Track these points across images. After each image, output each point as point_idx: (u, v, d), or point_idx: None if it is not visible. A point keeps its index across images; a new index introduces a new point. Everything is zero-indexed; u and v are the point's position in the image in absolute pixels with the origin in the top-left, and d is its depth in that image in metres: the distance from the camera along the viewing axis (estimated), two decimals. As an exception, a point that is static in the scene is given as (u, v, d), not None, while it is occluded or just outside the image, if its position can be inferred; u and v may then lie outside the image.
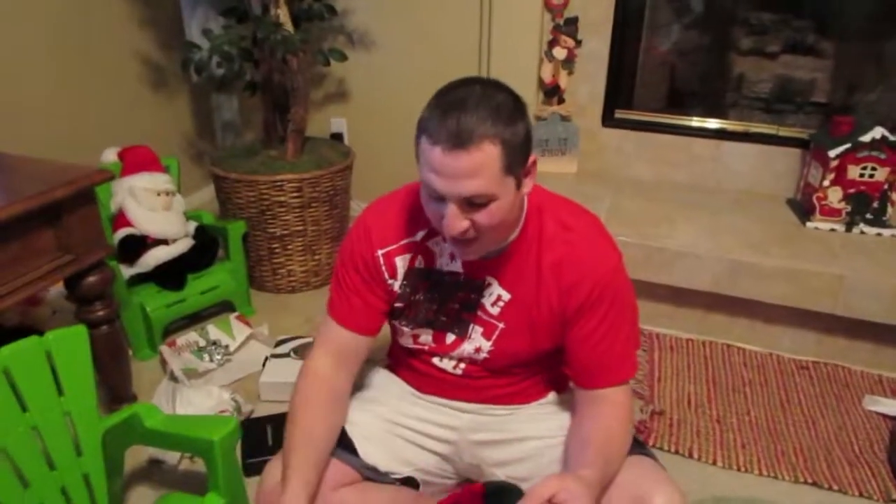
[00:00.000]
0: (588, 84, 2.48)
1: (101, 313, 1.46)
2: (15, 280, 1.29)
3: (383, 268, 1.18)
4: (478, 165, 0.93)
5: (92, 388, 1.15)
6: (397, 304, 1.21)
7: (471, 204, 0.97)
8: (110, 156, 2.03)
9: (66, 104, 2.24)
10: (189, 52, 2.17)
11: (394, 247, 1.18)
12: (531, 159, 1.02)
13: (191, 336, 1.96)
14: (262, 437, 1.59)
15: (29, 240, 1.30)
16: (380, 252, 1.17)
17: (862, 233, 2.09)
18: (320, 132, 2.75)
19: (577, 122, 2.49)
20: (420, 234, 1.17)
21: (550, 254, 1.11)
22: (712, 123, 2.47)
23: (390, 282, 1.19)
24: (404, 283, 1.18)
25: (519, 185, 1.02)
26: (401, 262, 1.18)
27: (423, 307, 1.19)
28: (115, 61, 2.41)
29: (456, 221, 0.98)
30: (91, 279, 1.42)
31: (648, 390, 1.84)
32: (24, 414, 1.07)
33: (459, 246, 1.05)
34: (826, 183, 2.07)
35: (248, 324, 2.03)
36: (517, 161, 0.98)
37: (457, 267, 1.16)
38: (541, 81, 2.46)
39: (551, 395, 1.30)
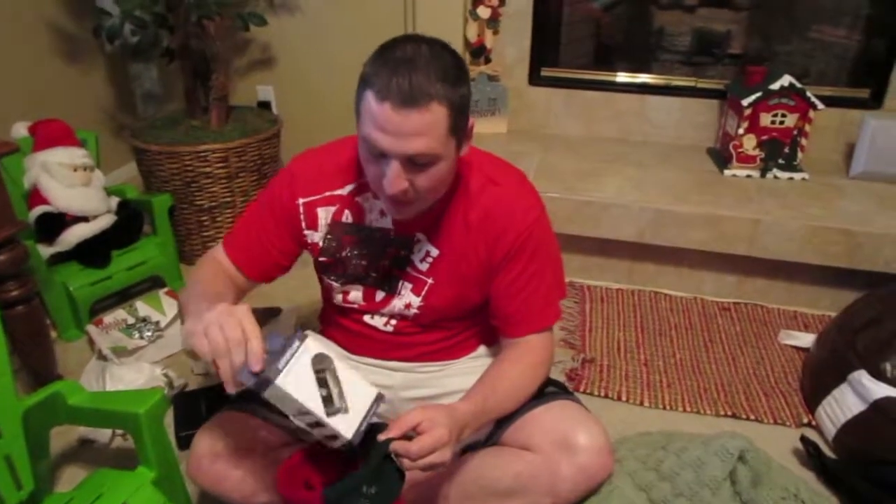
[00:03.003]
0: (514, 43, 2.48)
1: (15, 293, 1.42)
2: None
3: (302, 216, 1.17)
4: (427, 125, 0.93)
5: (7, 367, 1.11)
6: (322, 259, 1.21)
7: (414, 164, 0.97)
8: (21, 130, 1.94)
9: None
10: (100, 18, 2.07)
11: (317, 197, 1.17)
12: (470, 123, 1.03)
13: (119, 314, 1.91)
14: (195, 410, 1.56)
15: (-72, 218, 1.24)
16: (301, 201, 1.17)
17: (775, 178, 2.18)
18: (248, 101, 2.68)
19: (505, 82, 2.50)
20: (348, 188, 1.16)
21: (477, 207, 1.13)
22: (636, 78, 2.51)
23: (307, 232, 1.18)
24: (328, 236, 1.18)
25: (459, 148, 1.03)
26: (323, 214, 1.17)
27: (352, 263, 1.19)
28: (20, 30, 2.28)
29: (398, 180, 0.98)
30: (0, 258, 1.36)
31: (580, 340, 1.89)
32: (-66, 397, 1.03)
33: (395, 206, 1.05)
34: (741, 131, 2.14)
35: (178, 299, 1.99)
36: (461, 123, 0.99)
37: (387, 223, 1.16)
38: (467, 42, 2.45)
39: (481, 349, 1.33)
